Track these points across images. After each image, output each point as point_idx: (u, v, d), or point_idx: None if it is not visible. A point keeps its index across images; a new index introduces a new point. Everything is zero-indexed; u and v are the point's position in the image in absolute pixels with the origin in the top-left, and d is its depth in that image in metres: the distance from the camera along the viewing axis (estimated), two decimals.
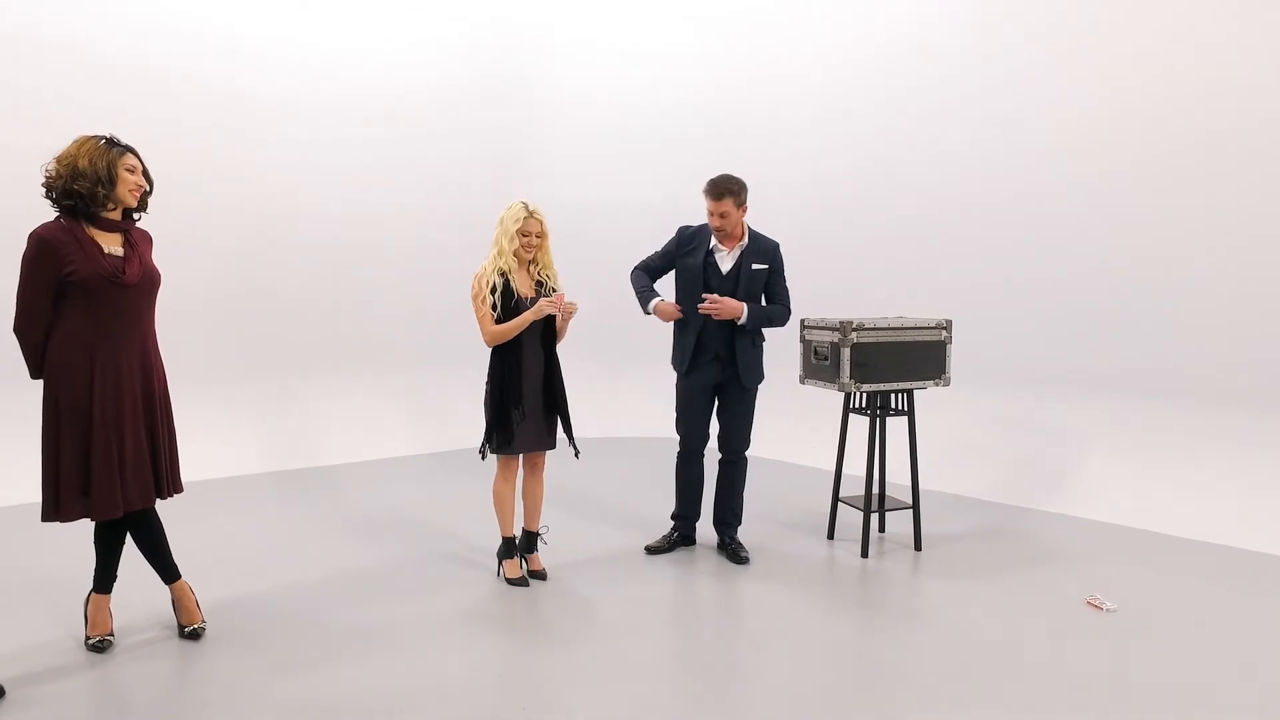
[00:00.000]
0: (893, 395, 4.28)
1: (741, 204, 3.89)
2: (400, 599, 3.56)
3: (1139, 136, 5.11)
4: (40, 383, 2.85)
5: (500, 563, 3.80)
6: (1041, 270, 5.52)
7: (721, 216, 3.86)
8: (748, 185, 3.93)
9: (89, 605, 3.08)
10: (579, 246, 6.15)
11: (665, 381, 7.30)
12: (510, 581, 3.74)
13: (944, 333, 4.23)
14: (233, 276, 6.11)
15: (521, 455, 3.73)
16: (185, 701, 2.68)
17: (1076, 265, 5.37)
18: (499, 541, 3.82)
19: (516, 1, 7.28)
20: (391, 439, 6.61)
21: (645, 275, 4.14)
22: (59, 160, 2.81)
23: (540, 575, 3.81)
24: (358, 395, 6.68)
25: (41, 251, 2.73)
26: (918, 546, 4.31)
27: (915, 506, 4.32)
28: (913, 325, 4.18)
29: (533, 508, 3.83)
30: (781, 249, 4.07)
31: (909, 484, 4.45)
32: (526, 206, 3.59)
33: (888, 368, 4.12)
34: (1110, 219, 5.24)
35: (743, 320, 3.87)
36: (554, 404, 3.70)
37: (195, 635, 3.13)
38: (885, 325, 4.12)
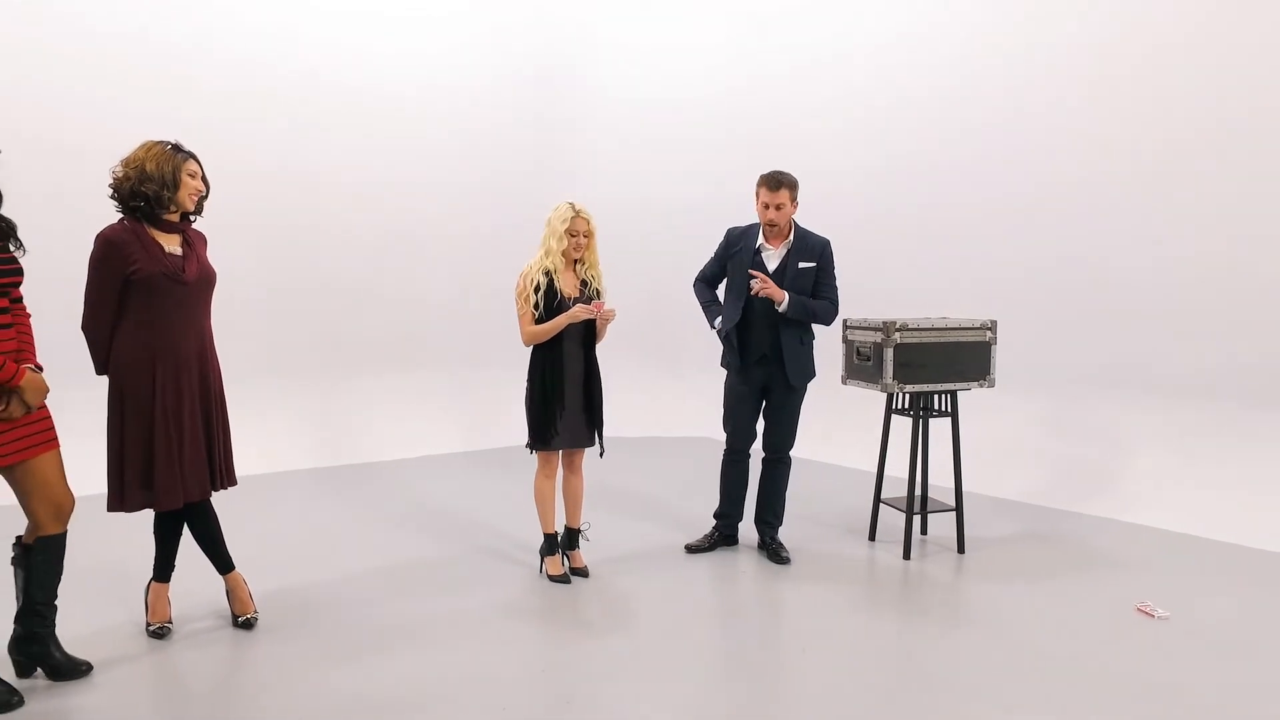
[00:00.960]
0: (936, 396, 4.25)
1: (795, 200, 3.90)
2: (445, 593, 3.62)
3: (1192, 129, 4.99)
4: (105, 379, 2.96)
5: (542, 559, 3.85)
6: (1088, 268, 5.43)
7: (777, 209, 3.86)
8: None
9: (149, 593, 3.19)
10: (620, 245, 6.18)
11: (704, 381, 7.33)
12: (552, 578, 3.78)
13: (989, 333, 4.19)
14: (280, 274, 6.25)
15: (561, 452, 3.78)
16: (240, 688, 2.77)
17: (1126, 263, 5.27)
18: (541, 538, 3.87)
19: (558, 1, 7.35)
20: (435, 436, 6.71)
21: (706, 287, 4.16)
22: (126, 164, 2.91)
23: (582, 572, 3.85)
24: (401, 392, 6.79)
25: (108, 252, 2.84)
26: (960, 549, 4.27)
27: (958, 508, 4.28)
28: (957, 326, 4.14)
29: (573, 505, 3.87)
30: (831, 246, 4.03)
31: (951, 486, 4.41)
32: (574, 206, 3.64)
33: (931, 368, 4.09)
34: (1163, 215, 5.13)
35: (783, 307, 3.84)
36: (592, 402, 3.74)
37: (248, 625, 3.22)
38: (929, 326, 4.09)
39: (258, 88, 6.05)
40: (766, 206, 3.89)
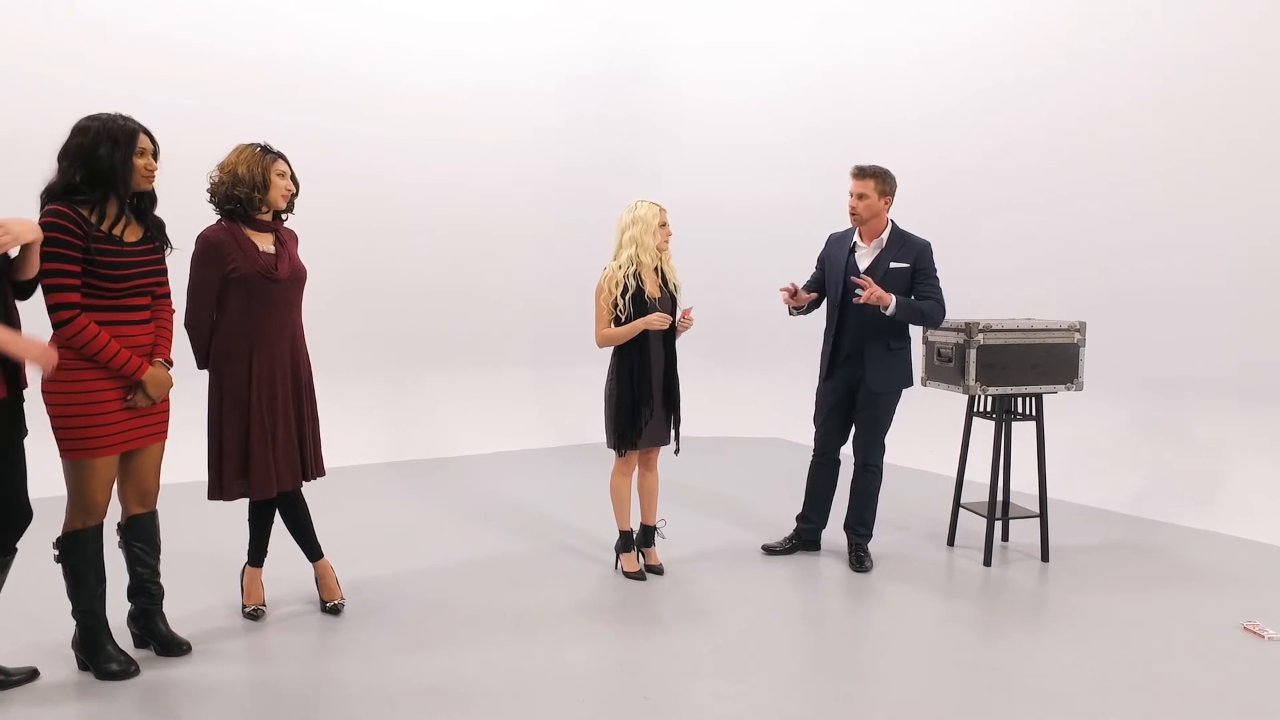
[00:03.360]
0: (1019, 399, 4.13)
1: (884, 193, 3.82)
2: (521, 588, 3.69)
3: None
4: (206, 373, 3.11)
5: (618, 556, 3.88)
6: (1184, 269, 5.19)
7: (860, 197, 3.80)
8: (895, 180, 3.87)
9: (244, 577, 3.34)
10: (693, 245, 6.19)
11: (776, 382, 7.28)
12: (627, 575, 3.81)
13: (1077, 335, 4.05)
14: (361, 273, 6.44)
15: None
16: (327, 670, 2.87)
17: (1225, 264, 5.02)
18: (616, 535, 3.90)
19: (635, 2, 7.39)
20: (510, 432, 6.83)
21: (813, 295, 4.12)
22: (221, 168, 3.05)
23: (657, 570, 3.87)
24: (477, 389, 6.93)
25: (208, 252, 2.97)
26: (1044, 557, 4.14)
27: (1042, 515, 4.15)
28: (1043, 327, 4.02)
29: (649, 502, 3.89)
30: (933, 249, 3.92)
31: (1033, 492, 4.27)
32: (656, 203, 3.67)
33: (1015, 371, 3.97)
34: (1267, 214, 4.87)
35: (890, 310, 3.72)
36: (671, 400, 3.75)
37: (335, 611, 3.34)
38: (1013, 327, 3.98)
39: (342, 95, 6.27)
40: (851, 195, 3.84)
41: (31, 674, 2.69)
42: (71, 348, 2.58)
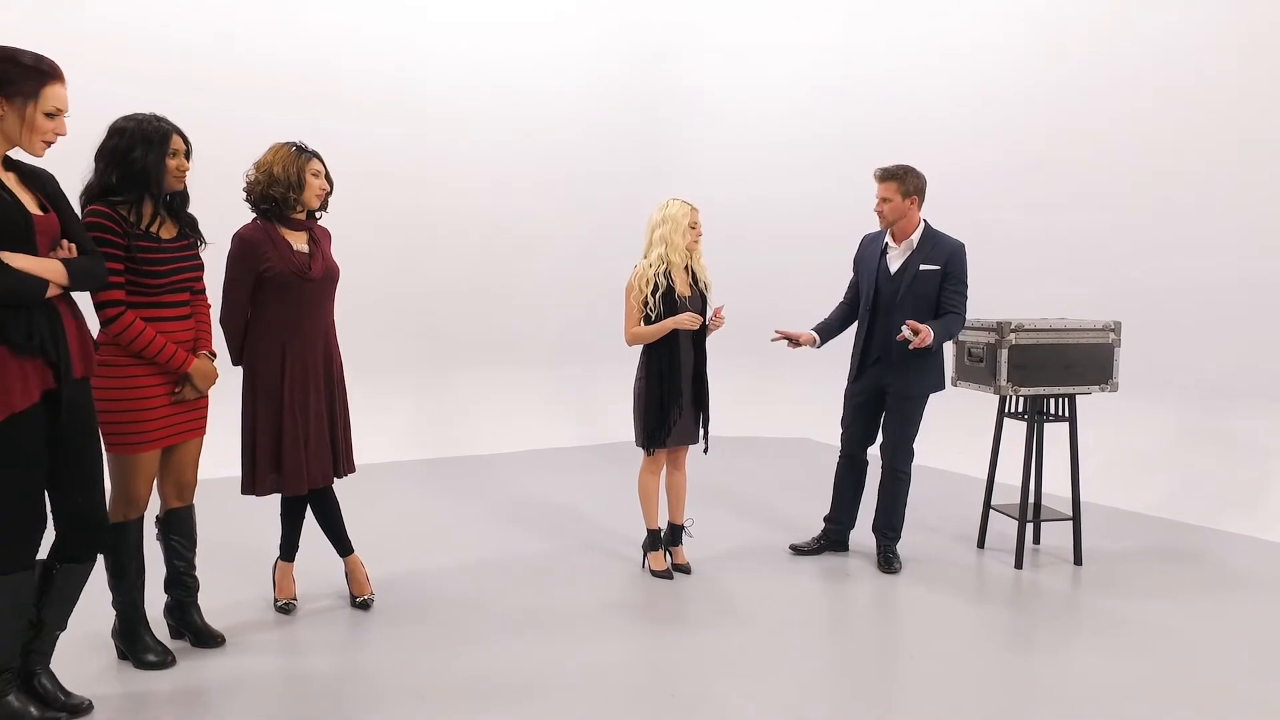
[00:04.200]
0: (1052, 400, 4.07)
1: (909, 193, 3.77)
2: (548, 585, 3.70)
3: None
4: (240, 370, 3.16)
5: (645, 554, 3.88)
6: (1226, 267, 5.07)
7: (883, 201, 3.79)
8: (923, 178, 3.82)
9: (276, 571, 3.39)
10: (722, 244, 6.18)
11: (804, 383, 7.24)
12: (655, 573, 3.81)
13: (1112, 335, 3.98)
14: (392, 272, 6.49)
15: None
16: (357, 664, 2.91)
17: (1271, 260, 4.90)
18: (643, 534, 3.90)
19: (665, 2, 7.39)
20: (538, 431, 6.86)
21: (838, 309, 4.13)
22: (257, 167, 3.10)
23: (685, 569, 3.87)
24: (506, 387, 6.97)
25: (243, 250, 3.02)
26: (1078, 561, 4.07)
27: (1075, 518, 4.09)
28: (1077, 327, 3.96)
29: (676, 501, 3.89)
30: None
31: (1067, 495, 4.21)
32: (687, 202, 3.67)
33: (1048, 371, 3.92)
34: None
35: (931, 341, 3.65)
36: (700, 399, 3.75)
37: (365, 606, 3.37)
38: (1046, 326, 3.92)
39: (376, 98, 6.34)
40: (876, 199, 3.82)
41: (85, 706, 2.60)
42: (119, 344, 2.64)
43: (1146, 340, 4.96)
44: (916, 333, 3.61)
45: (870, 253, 3.97)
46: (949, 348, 4.20)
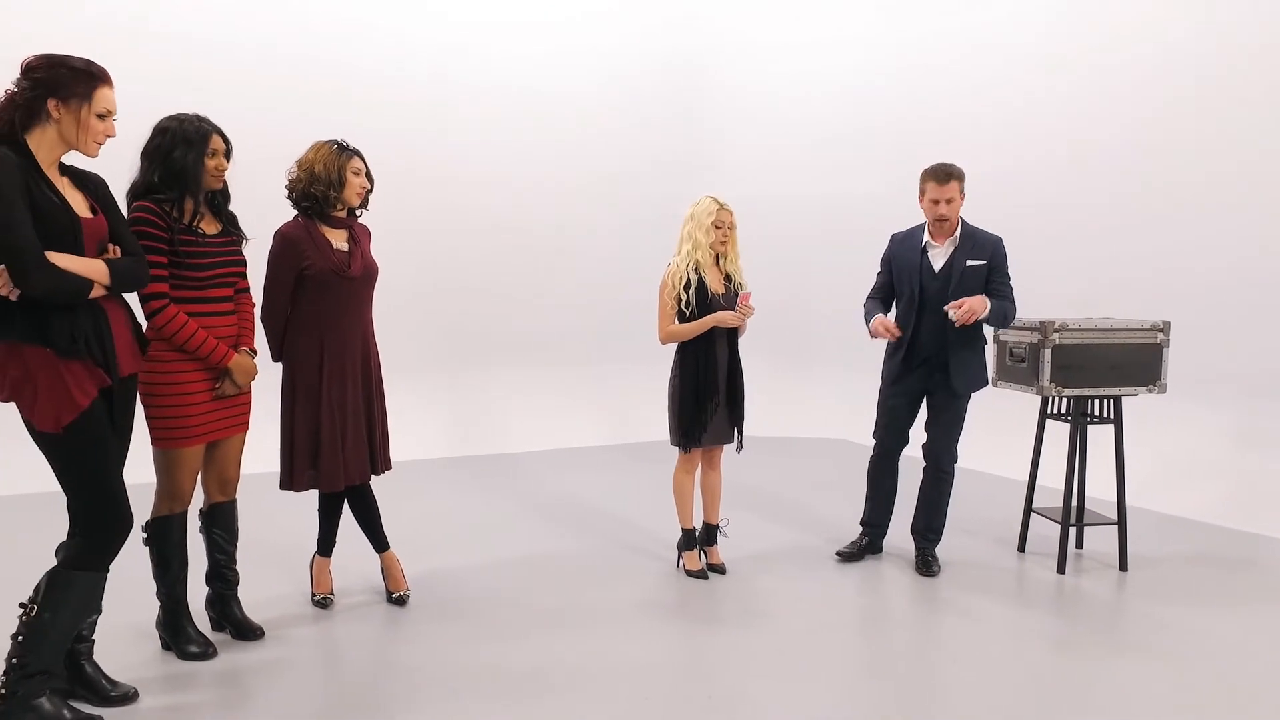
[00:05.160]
0: (1097, 401, 3.98)
1: (963, 192, 3.73)
2: (583, 584, 3.70)
3: None
4: (280, 367, 3.19)
5: (680, 554, 3.86)
6: (1276, 265, 4.93)
7: (947, 203, 3.70)
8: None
9: (313, 566, 3.43)
10: (755, 243, 6.15)
11: (839, 382, 7.17)
12: (690, 573, 3.79)
13: (1160, 335, 3.89)
14: (427, 270, 6.53)
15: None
16: (393, 659, 2.93)
17: None
18: (678, 533, 3.88)
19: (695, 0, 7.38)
20: (571, 429, 6.87)
21: (876, 304, 3.96)
22: (299, 165, 3.13)
23: (719, 569, 3.84)
24: (537, 385, 6.99)
25: (284, 248, 3.05)
26: (1123, 566, 3.97)
27: (1121, 522, 3.99)
28: (1124, 326, 3.87)
29: (711, 501, 3.87)
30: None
31: (1110, 499, 4.11)
32: (716, 200, 3.63)
33: (1093, 371, 3.83)
34: None
35: (985, 315, 3.64)
36: (735, 398, 3.72)
37: (401, 601, 3.40)
38: (1091, 326, 3.84)
39: (408, 98, 6.39)
40: (935, 202, 3.71)
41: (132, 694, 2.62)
42: (163, 337, 2.69)
43: (1195, 340, 4.82)
44: (964, 313, 3.58)
45: (907, 251, 3.87)
46: (990, 347, 4.13)
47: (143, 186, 2.71)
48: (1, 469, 4.77)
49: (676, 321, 3.60)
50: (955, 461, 3.92)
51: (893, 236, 4.00)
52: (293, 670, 2.82)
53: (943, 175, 3.70)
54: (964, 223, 3.80)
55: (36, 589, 2.33)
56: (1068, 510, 3.96)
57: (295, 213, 3.15)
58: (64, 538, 2.41)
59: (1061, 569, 3.92)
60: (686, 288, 3.56)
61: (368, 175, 3.22)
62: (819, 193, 7.22)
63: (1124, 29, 5.62)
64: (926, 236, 3.83)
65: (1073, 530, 4.16)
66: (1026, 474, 4.26)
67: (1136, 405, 4.64)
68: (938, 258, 3.80)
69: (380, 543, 3.42)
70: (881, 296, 4.00)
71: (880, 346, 4.05)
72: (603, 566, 3.93)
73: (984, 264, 3.74)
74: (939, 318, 3.73)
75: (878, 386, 4.05)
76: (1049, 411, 4.07)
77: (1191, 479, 5.07)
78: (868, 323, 3.92)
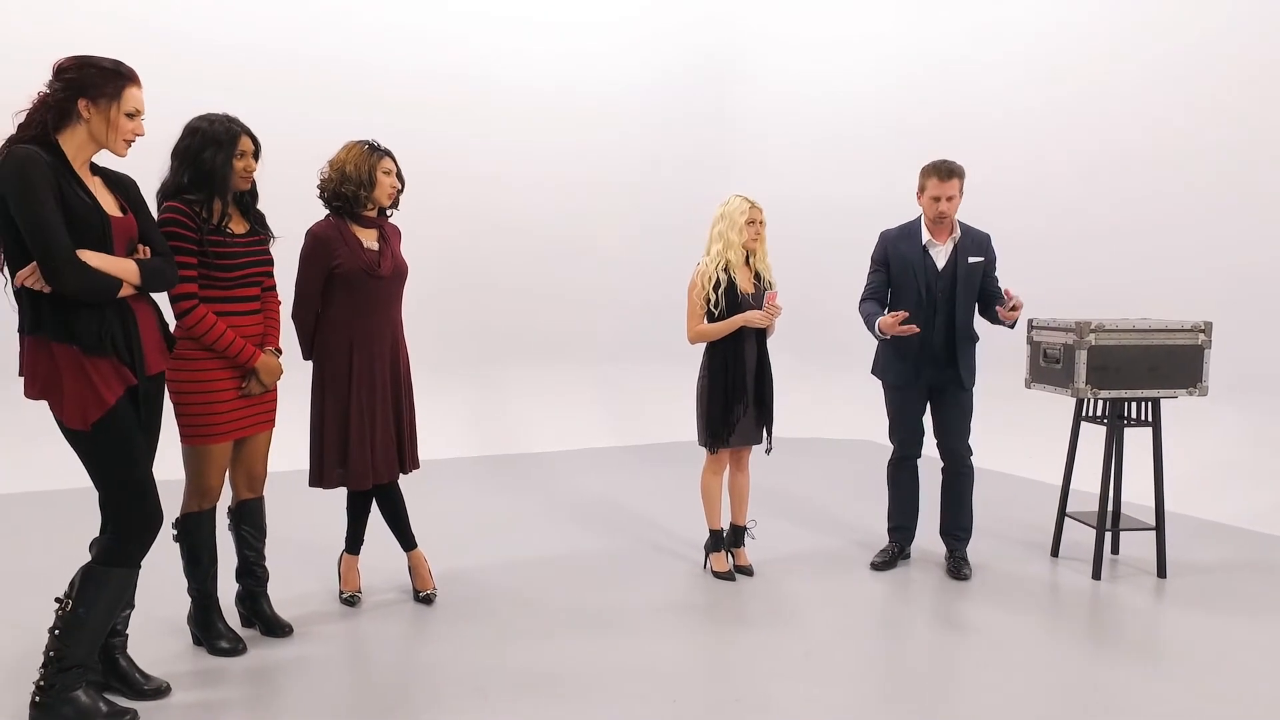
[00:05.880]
0: (1134, 404, 3.89)
1: (962, 190, 3.71)
2: (610, 585, 3.68)
3: None
4: (309, 365, 3.21)
5: (707, 555, 3.84)
6: None
7: (948, 200, 3.67)
8: None
9: (341, 564, 3.44)
10: (781, 242, 6.11)
11: (864, 384, 7.06)
12: (717, 575, 3.76)
13: (1201, 336, 3.79)
14: (455, 270, 6.57)
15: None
16: (419, 657, 2.94)
17: None
18: (705, 534, 3.85)
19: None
20: (596, 430, 6.86)
21: (875, 305, 3.84)
22: (331, 165, 3.15)
23: (747, 570, 3.81)
24: (562, 385, 6.99)
25: (316, 247, 3.07)
26: (1161, 573, 3.88)
27: (1159, 527, 3.90)
28: (1162, 327, 3.78)
29: (739, 502, 3.84)
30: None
31: (1148, 503, 4.02)
32: (746, 198, 3.60)
33: (1130, 373, 3.75)
34: None
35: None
36: (763, 399, 3.68)
37: (428, 600, 3.40)
38: (1129, 327, 3.76)
39: (439, 98, 6.42)
40: (936, 199, 3.67)
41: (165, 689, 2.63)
42: (191, 336, 2.72)
43: (1236, 341, 4.71)
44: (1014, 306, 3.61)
45: (908, 250, 3.78)
46: (1023, 347, 4.08)
47: (172, 187, 2.74)
48: (36, 465, 4.87)
49: (705, 321, 3.58)
50: (972, 454, 3.89)
51: (883, 234, 3.91)
52: (320, 667, 2.83)
53: (945, 172, 3.66)
54: (959, 220, 3.79)
55: (71, 584, 2.36)
56: (1104, 514, 3.88)
57: (327, 212, 3.17)
58: (97, 533, 2.43)
59: (1097, 575, 3.84)
60: (716, 288, 3.53)
61: (399, 175, 3.23)
62: (844, 192, 7.15)
63: (1149, 26, 5.50)
64: (926, 235, 3.78)
65: (1108, 535, 4.08)
66: (1059, 477, 4.18)
67: (1175, 407, 4.55)
68: (940, 256, 3.77)
69: (408, 541, 3.43)
70: (879, 297, 3.88)
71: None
72: (629, 567, 3.91)
73: (983, 260, 3.77)
74: (953, 316, 3.73)
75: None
76: (1084, 414, 3.99)
77: (1231, 483, 4.95)
78: (870, 324, 3.77)
